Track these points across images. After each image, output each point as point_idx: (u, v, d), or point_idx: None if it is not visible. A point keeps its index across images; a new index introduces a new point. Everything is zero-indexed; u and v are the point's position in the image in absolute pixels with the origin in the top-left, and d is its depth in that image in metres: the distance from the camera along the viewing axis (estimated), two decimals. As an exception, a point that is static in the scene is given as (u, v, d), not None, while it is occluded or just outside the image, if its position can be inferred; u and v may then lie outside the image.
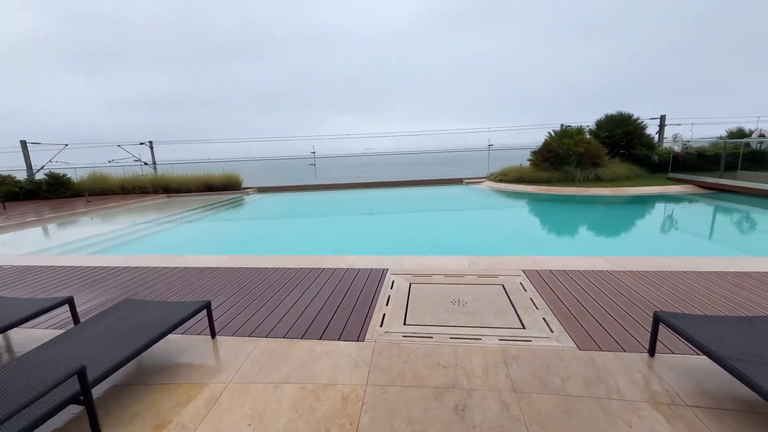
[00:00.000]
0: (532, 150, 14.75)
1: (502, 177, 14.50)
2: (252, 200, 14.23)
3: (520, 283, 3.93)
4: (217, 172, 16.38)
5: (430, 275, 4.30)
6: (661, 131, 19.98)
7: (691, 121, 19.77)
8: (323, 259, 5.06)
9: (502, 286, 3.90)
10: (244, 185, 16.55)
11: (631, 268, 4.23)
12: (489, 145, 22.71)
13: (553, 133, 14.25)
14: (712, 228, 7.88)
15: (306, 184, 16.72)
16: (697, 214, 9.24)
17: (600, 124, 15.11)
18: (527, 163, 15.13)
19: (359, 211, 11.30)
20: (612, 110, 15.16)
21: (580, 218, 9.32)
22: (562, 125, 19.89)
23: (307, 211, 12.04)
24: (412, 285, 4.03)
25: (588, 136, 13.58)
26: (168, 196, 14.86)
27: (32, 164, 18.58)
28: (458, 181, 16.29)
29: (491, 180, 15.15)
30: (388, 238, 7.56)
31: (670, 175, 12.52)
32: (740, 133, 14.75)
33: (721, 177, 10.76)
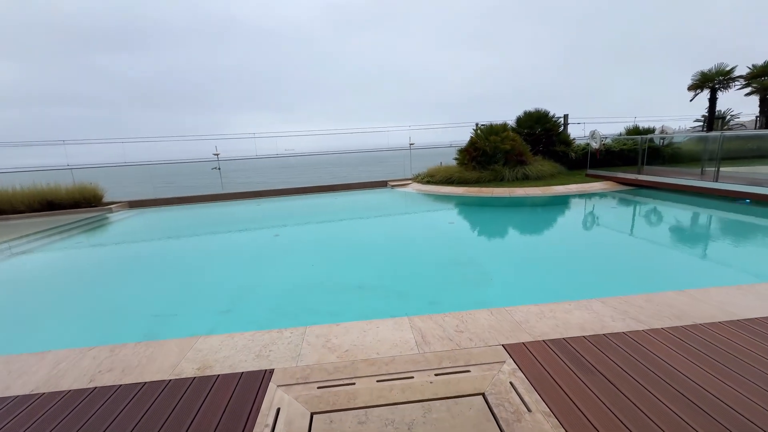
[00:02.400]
0: (459, 148, 13.82)
1: (430, 178, 13.26)
2: (114, 221, 10.65)
3: (511, 385, 2.20)
4: (66, 183, 12.19)
5: (352, 379, 2.33)
6: (565, 128, 21.18)
7: (583, 121, 21.41)
8: (156, 352, 2.74)
9: (483, 397, 2.11)
10: (108, 199, 12.61)
11: (652, 323, 2.81)
12: (410, 144, 21.77)
13: (478, 131, 13.46)
14: (669, 234, 7.28)
15: (197, 194, 13.43)
16: (639, 215, 8.84)
17: (520, 121, 14.86)
18: (451, 163, 14.23)
19: (258, 234, 8.82)
20: (515, 111, 15.08)
21: (528, 227, 8.30)
22: (477, 124, 19.77)
23: (181, 236, 9.08)
24: (315, 419, 2.01)
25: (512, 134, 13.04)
26: (-22, 221, 10.37)
27: None
28: (383, 184, 14.68)
29: (418, 182, 13.84)
30: (288, 280, 5.36)
31: (589, 171, 12.57)
32: (636, 130, 15.86)
33: (639, 173, 10.88)
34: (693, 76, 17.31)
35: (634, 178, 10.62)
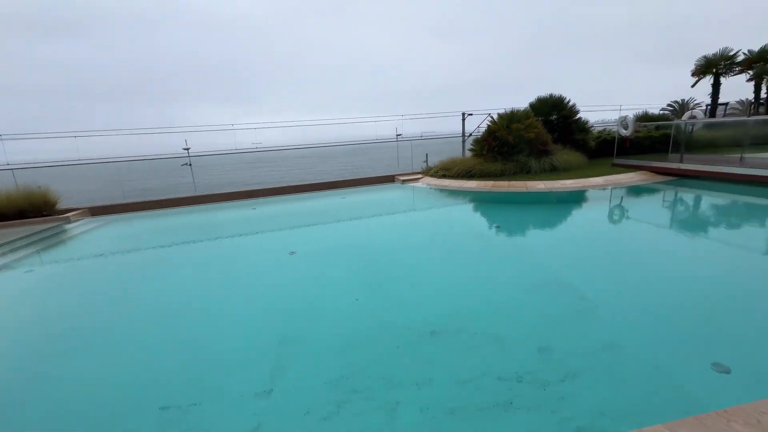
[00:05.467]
0: (476, 138, 12.57)
1: (445, 172, 11.94)
2: (74, 234, 8.53)
3: None
4: (9, 189, 9.81)
5: None
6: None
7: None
8: None
9: None
10: (64, 206, 10.32)
11: None
12: (397, 135, 20.32)
13: (496, 118, 12.24)
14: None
15: (175, 197, 11.38)
16: (722, 212, 7.72)
17: (534, 108, 13.78)
18: (445, 156, 13.14)
19: (269, 249, 7.11)
20: (493, 101, 14.08)
21: (604, 230, 7.06)
22: (463, 113, 18.57)
23: (167, 258, 7.23)
24: None
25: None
26: None
27: None
28: (390, 179, 13.21)
29: (431, 176, 12.49)
30: (332, 326, 3.79)
31: (616, 161, 11.71)
32: (646, 117, 15.30)
33: (681, 161, 10.04)
34: (697, 61, 16.97)
35: (675, 167, 9.79)
